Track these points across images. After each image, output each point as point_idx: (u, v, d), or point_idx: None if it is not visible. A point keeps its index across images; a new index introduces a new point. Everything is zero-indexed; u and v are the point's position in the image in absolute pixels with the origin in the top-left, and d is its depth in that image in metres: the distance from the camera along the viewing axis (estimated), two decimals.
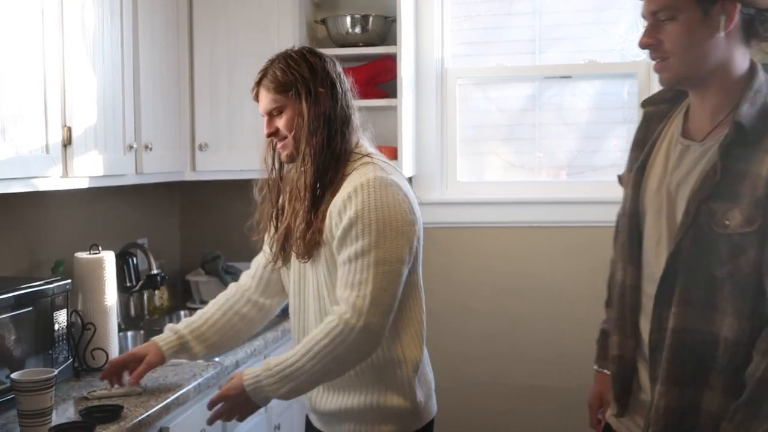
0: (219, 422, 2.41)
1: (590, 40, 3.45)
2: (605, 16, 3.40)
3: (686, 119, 1.75)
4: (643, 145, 1.82)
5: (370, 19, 3.32)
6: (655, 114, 1.84)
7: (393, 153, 3.16)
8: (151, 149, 2.76)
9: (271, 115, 2.03)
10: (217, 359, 2.45)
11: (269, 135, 2.04)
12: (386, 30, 3.37)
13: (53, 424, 1.89)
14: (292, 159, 2.04)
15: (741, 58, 1.66)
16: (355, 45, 3.34)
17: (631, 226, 1.79)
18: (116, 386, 2.16)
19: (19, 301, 2.09)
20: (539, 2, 3.50)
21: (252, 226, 2.16)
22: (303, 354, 1.89)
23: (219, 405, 1.98)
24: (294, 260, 2.07)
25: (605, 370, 1.94)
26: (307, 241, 1.97)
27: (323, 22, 3.39)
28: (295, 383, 1.90)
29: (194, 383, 2.27)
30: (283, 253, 2.09)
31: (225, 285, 2.65)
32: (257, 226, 2.16)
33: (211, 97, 3.16)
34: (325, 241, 1.96)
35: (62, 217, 2.80)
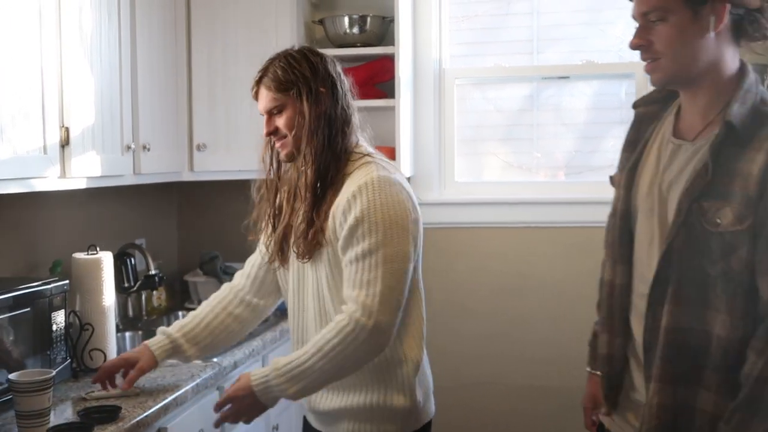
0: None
1: (588, 40, 3.46)
2: (603, 16, 3.40)
3: (677, 119, 1.77)
4: (635, 145, 1.83)
5: (368, 19, 3.32)
6: (646, 114, 1.86)
7: (391, 153, 3.16)
8: (148, 150, 2.76)
9: (271, 113, 2.03)
10: (215, 359, 2.45)
11: (268, 134, 2.04)
12: (384, 30, 3.37)
13: (51, 424, 1.89)
14: (291, 158, 2.04)
15: (731, 58, 1.68)
16: (353, 45, 3.34)
17: (622, 226, 1.80)
18: (109, 388, 2.16)
19: (17, 302, 2.09)
20: (537, 3, 3.51)
21: (249, 226, 2.16)
22: (313, 353, 1.89)
23: (226, 407, 1.97)
24: (293, 260, 2.07)
25: (598, 372, 1.95)
26: (308, 240, 1.97)
27: (321, 22, 3.39)
28: (304, 383, 1.90)
29: (192, 384, 2.27)
30: (281, 253, 2.09)
31: None
32: (254, 225, 2.16)
33: (209, 97, 3.16)
34: (328, 241, 1.96)
35: (60, 217, 2.80)
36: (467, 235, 3.50)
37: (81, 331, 2.37)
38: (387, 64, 3.33)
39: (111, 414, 1.98)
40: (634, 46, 1.71)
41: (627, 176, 1.81)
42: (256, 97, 2.06)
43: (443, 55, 3.56)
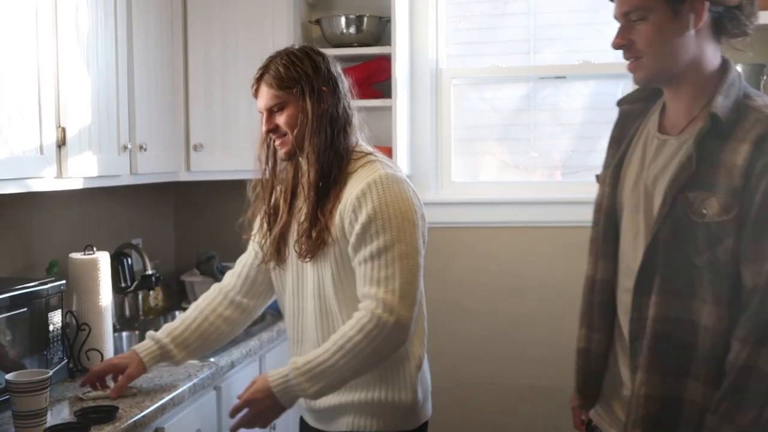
0: (214, 421, 2.43)
1: (584, 40, 3.46)
2: (599, 16, 3.41)
3: (662, 116, 1.79)
4: (620, 142, 1.86)
5: (365, 19, 3.33)
6: (630, 112, 1.88)
7: (388, 153, 3.15)
8: (145, 150, 2.75)
9: (271, 111, 2.02)
10: (212, 359, 2.45)
11: (268, 131, 2.03)
12: (381, 30, 3.37)
13: (48, 425, 1.89)
14: (290, 156, 2.04)
15: (712, 55, 1.70)
16: (350, 45, 3.34)
17: (606, 222, 1.83)
18: (106, 390, 2.16)
19: (14, 302, 2.09)
20: (534, 3, 3.51)
21: (243, 224, 2.16)
22: (335, 351, 1.88)
23: (243, 411, 1.95)
24: (292, 260, 2.07)
25: None
26: (312, 240, 1.97)
27: (318, 22, 3.40)
28: (326, 381, 1.89)
29: (189, 383, 2.27)
30: (277, 253, 2.09)
31: None
32: (249, 224, 2.16)
33: (206, 97, 3.16)
34: (335, 240, 1.96)
35: (57, 217, 2.80)
36: (464, 234, 3.50)
37: (78, 331, 2.37)
38: (384, 64, 3.33)
39: (108, 414, 1.98)
40: (616, 46, 1.73)
41: (612, 173, 1.83)
42: (255, 94, 2.05)
43: (440, 55, 3.56)
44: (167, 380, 2.27)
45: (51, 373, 1.96)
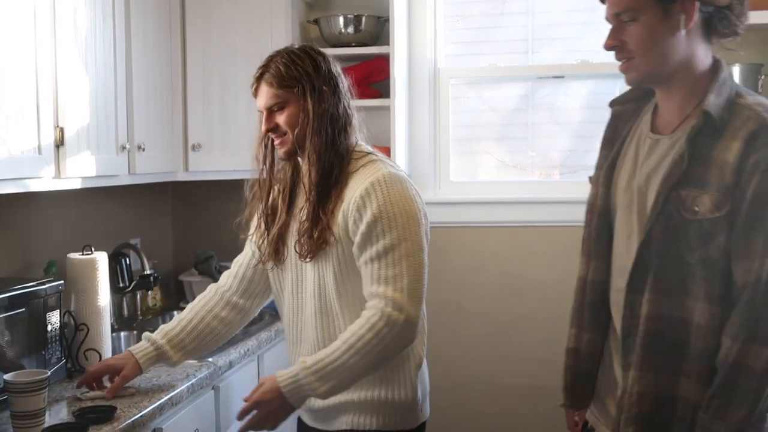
0: (212, 421, 2.43)
1: (582, 40, 3.46)
2: (597, 16, 3.33)
3: (654, 116, 1.80)
4: (612, 143, 1.87)
5: (363, 19, 3.33)
6: (623, 113, 1.89)
7: (386, 153, 3.12)
8: (143, 150, 2.75)
9: (271, 110, 2.01)
10: (210, 359, 2.45)
11: (268, 131, 2.02)
12: (379, 30, 3.37)
13: (46, 425, 1.89)
14: (290, 156, 2.03)
15: (703, 55, 1.72)
16: (348, 45, 3.34)
17: (599, 222, 1.84)
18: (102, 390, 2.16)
19: (12, 302, 2.09)
20: (532, 2, 3.51)
21: (241, 224, 2.16)
22: (345, 350, 1.88)
23: (252, 413, 1.94)
24: (291, 260, 2.07)
25: None
26: (314, 239, 1.96)
27: (316, 22, 3.40)
28: (335, 381, 1.89)
29: (187, 383, 2.27)
30: (276, 253, 2.09)
31: None
32: (246, 223, 2.16)
33: (204, 97, 3.16)
34: (338, 239, 1.95)
35: (55, 217, 2.80)
36: (462, 234, 3.50)
37: (76, 331, 2.37)
38: (382, 64, 3.33)
39: (106, 414, 1.98)
40: (608, 47, 1.75)
41: (606, 173, 1.84)
42: (255, 93, 2.04)
43: (438, 54, 3.56)
44: (165, 380, 2.27)
45: (49, 373, 1.96)
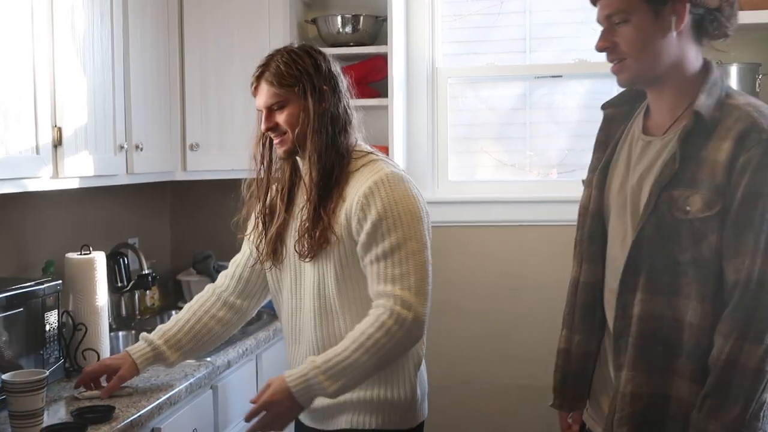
0: (211, 420, 2.43)
1: (580, 39, 3.46)
2: (595, 15, 3.40)
3: (646, 118, 1.81)
4: (606, 146, 1.88)
5: (361, 18, 3.33)
6: (615, 116, 1.91)
7: (384, 152, 3.14)
8: (141, 149, 2.75)
9: (271, 109, 2.00)
10: (208, 359, 2.45)
11: (267, 129, 2.01)
12: (377, 29, 3.37)
13: (45, 425, 1.89)
14: (289, 155, 2.03)
15: (694, 56, 1.73)
16: (346, 45, 3.34)
17: (593, 224, 1.85)
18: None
19: (10, 302, 2.09)
20: (529, 2, 3.51)
21: (238, 223, 2.16)
22: (355, 349, 1.88)
23: (260, 415, 1.92)
24: (289, 260, 2.07)
25: None
26: (316, 239, 1.96)
27: (314, 21, 3.40)
28: (345, 379, 1.88)
29: (186, 383, 2.27)
30: (274, 253, 2.09)
31: None
32: (244, 223, 2.15)
33: (202, 97, 3.16)
34: (340, 239, 1.95)
35: (53, 217, 2.80)
36: (460, 233, 3.50)
37: (74, 331, 2.37)
38: (380, 64, 3.33)
39: (104, 414, 1.98)
40: (599, 49, 1.77)
41: (599, 176, 1.85)
42: (255, 92, 2.03)
43: (436, 54, 3.56)
44: (164, 380, 2.27)
45: (47, 373, 1.96)
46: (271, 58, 2.01)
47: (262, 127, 2.03)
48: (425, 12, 3.51)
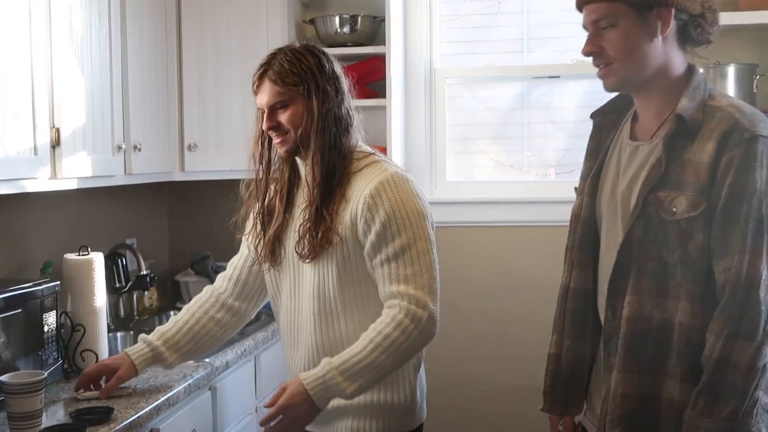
0: (209, 421, 2.43)
1: (578, 39, 3.42)
2: None
3: (634, 124, 1.84)
4: (597, 153, 1.91)
5: (359, 19, 3.33)
6: (605, 124, 1.94)
7: (382, 152, 3.15)
8: (139, 150, 2.75)
9: (274, 108, 1.98)
10: (207, 360, 2.45)
11: (269, 129, 2.00)
12: (375, 30, 3.37)
13: (43, 426, 1.89)
14: (290, 155, 2.02)
15: (679, 62, 1.77)
16: (344, 45, 3.34)
17: (584, 230, 1.88)
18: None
19: (8, 303, 2.09)
20: (527, 2, 3.51)
21: (237, 223, 2.15)
22: (372, 349, 1.87)
23: (277, 419, 1.89)
24: (288, 261, 2.06)
25: None
26: (318, 239, 1.95)
27: (312, 22, 3.40)
28: (363, 380, 1.88)
29: (184, 384, 2.27)
30: (272, 254, 2.08)
31: None
32: (242, 222, 2.15)
33: (200, 97, 3.16)
34: (343, 239, 1.94)
35: (51, 218, 2.80)
36: (458, 234, 3.50)
37: (72, 332, 2.37)
38: (378, 64, 3.33)
39: (103, 415, 1.98)
40: (586, 53, 1.79)
41: (590, 183, 1.88)
42: (257, 90, 2.01)
43: (434, 54, 3.56)
44: (162, 381, 2.27)
45: (46, 374, 1.96)
46: (273, 56, 1.99)
47: (264, 126, 2.00)
48: (423, 12, 3.51)
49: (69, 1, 2.35)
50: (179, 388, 2.24)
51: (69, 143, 2.33)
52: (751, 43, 3.11)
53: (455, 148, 3.60)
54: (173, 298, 3.44)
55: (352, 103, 2.06)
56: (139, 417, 2.03)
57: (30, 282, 2.21)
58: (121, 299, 3.12)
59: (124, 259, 3.03)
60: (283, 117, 1.98)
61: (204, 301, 2.22)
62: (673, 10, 1.70)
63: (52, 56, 2.26)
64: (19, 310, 2.12)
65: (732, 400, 1.59)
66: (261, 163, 2.08)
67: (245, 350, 2.67)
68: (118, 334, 2.93)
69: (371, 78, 3.37)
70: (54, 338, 2.26)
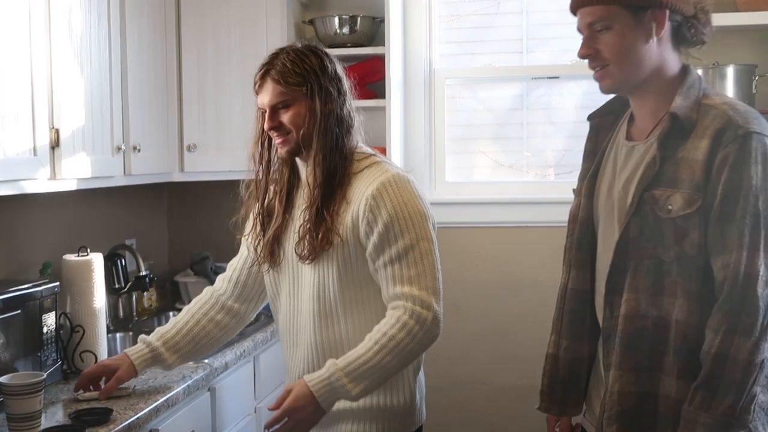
0: (208, 422, 2.43)
1: (577, 40, 3.43)
2: None
3: (630, 124, 1.86)
4: (594, 155, 1.92)
5: (358, 19, 3.33)
6: (602, 125, 1.95)
7: (382, 153, 3.15)
8: (139, 150, 2.75)
9: (276, 108, 1.97)
10: (206, 361, 2.45)
11: (271, 129, 1.99)
12: (374, 30, 3.37)
13: (43, 427, 1.89)
14: (291, 155, 2.01)
15: (673, 63, 1.78)
16: (344, 45, 3.34)
17: (581, 231, 1.89)
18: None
19: (7, 304, 2.08)
20: (526, 2, 3.51)
21: (237, 223, 2.15)
22: (377, 350, 1.87)
23: (282, 422, 1.88)
24: (287, 262, 2.06)
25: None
26: (318, 240, 1.95)
27: (311, 22, 3.40)
28: (368, 381, 1.87)
29: (183, 385, 2.27)
30: (271, 255, 2.08)
31: None
32: (242, 223, 2.15)
33: (199, 97, 3.16)
34: (344, 240, 1.94)
35: (50, 219, 2.79)
36: (458, 234, 3.50)
37: (72, 333, 2.36)
38: (377, 65, 3.33)
39: (102, 416, 1.98)
40: (582, 56, 1.80)
41: (588, 184, 1.89)
42: (259, 90, 1.99)
43: (433, 55, 3.56)
44: (161, 381, 2.27)
45: (45, 375, 1.96)
46: (276, 56, 1.98)
47: (265, 126, 1.99)
48: (422, 13, 3.51)
49: (68, 2, 2.35)
50: (178, 389, 2.24)
51: (68, 144, 2.33)
52: (751, 43, 3.12)
53: (455, 148, 3.61)
54: (172, 298, 3.44)
55: (353, 104, 2.05)
56: (138, 418, 2.03)
57: (29, 283, 2.21)
58: (120, 300, 3.11)
59: (123, 260, 3.03)
60: (285, 117, 1.97)
61: (204, 302, 2.21)
62: (667, 12, 1.71)
63: (52, 57, 2.26)
64: (18, 311, 2.12)
65: (730, 395, 1.61)
66: (261, 163, 2.07)
67: (244, 351, 2.67)
68: (118, 335, 2.92)
69: (371, 79, 3.37)
70: (53, 339, 2.26)
